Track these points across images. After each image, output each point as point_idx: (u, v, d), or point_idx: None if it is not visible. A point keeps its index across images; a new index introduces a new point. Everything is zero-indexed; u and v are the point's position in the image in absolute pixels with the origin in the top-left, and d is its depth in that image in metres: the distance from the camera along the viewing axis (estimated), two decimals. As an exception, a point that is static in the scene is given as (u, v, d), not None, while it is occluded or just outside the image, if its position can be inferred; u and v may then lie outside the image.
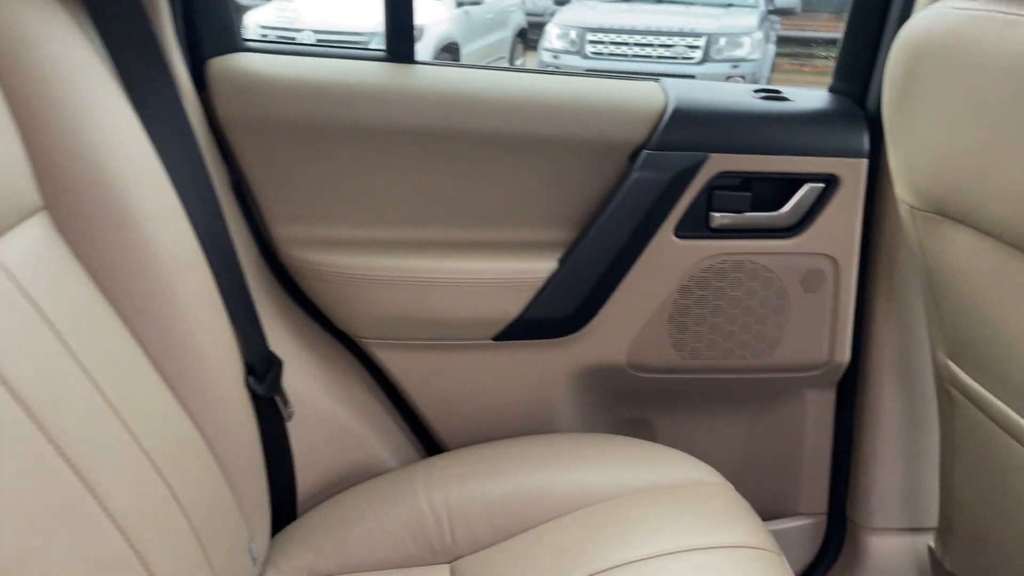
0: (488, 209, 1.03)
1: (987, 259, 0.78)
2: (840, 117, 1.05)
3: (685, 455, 0.98)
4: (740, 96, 1.07)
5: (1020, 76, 0.65)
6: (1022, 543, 0.88)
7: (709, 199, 1.03)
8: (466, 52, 5.96)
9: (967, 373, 0.91)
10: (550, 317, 1.04)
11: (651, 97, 1.03)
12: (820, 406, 1.17)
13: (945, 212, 0.81)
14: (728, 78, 5.39)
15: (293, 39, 5.31)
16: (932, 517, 1.10)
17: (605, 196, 1.03)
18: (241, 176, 0.98)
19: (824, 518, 1.22)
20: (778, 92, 1.08)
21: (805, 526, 1.23)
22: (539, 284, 1.02)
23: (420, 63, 1.01)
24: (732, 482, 1.18)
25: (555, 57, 5.72)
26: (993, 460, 0.89)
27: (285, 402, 0.92)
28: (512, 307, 1.03)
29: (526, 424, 1.09)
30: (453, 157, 1.00)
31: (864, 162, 1.03)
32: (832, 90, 1.12)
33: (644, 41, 5.58)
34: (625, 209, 1.01)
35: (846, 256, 1.06)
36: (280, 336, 0.96)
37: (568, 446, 1.00)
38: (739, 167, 1.02)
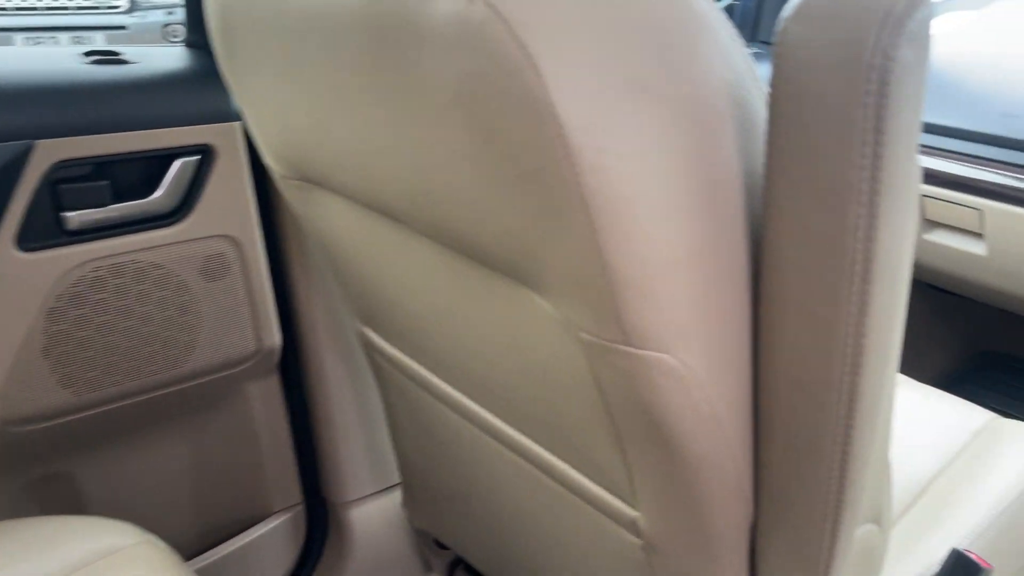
0: None
1: (354, 222, 0.72)
2: (200, 77, 0.91)
3: (91, 520, 0.78)
4: (65, 63, 0.85)
5: (323, 23, 0.56)
6: (459, 490, 0.88)
7: (55, 197, 0.82)
8: None
9: (380, 336, 0.86)
10: None
11: None
12: (267, 396, 1.06)
13: (307, 178, 0.72)
14: (166, 26, 4.95)
15: None
16: (397, 475, 1.09)
17: None
18: None
19: (302, 508, 1.14)
20: (116, 54, 0.89)
21: (286, 522, 1.13)
22: None
23: None
24: (190, 504, 1.02)
25: (-58, 15, 4.66)
26: (420, 416, 0.87)
27: None
28: None
29: None
30: None
31: (237, 126, 0.91)
32: (190, 45, 0.97)
33: (57, -10, 4.81)
34: (-73, 231, 0.75)
35: (247, 233, 0.94)
36: None
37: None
38: (82, 152, 0.82)
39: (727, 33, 0.49)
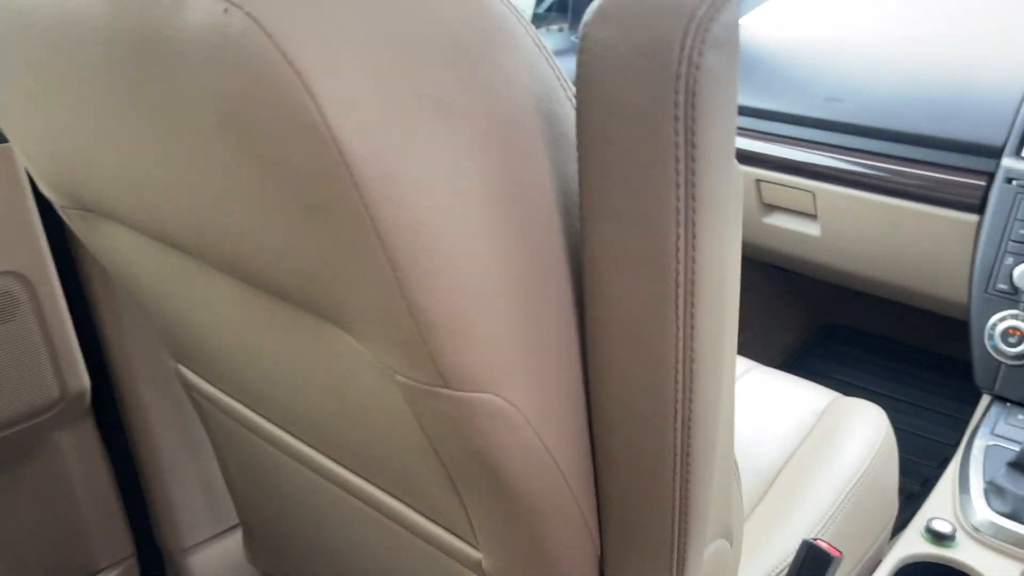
0: None
1: (146, 255, 0.63)
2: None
3: None
4: None
5: (71, 36, 0.48)
6: (300, 530, 0.81)
7: None
8: None
9: (196, 374, 0.78)
10: None
11: None
12: (81, 444, 0.95)
13: (88, 207, 0.63)
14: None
15: None
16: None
17: None
18: None
19: (134, 560, 1.04)
20: None
21: (117, 578, 1.03)
22: None
23: None
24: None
25: None
26: (249, 456, 0.79)
27: None
28: None
29: None
30: None
31: (9, 148, 0.79)
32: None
33: None
34: None
35: (37, 268, 0.83)
36: None
37: None
38: None
39: (532, 40, 0.44)
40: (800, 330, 1.83)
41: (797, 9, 1.42)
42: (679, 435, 0.46)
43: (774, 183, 1.28)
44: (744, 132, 1.29)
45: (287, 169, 0.39)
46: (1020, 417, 1.03)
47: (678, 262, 0.40)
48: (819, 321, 1.85)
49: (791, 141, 1.25)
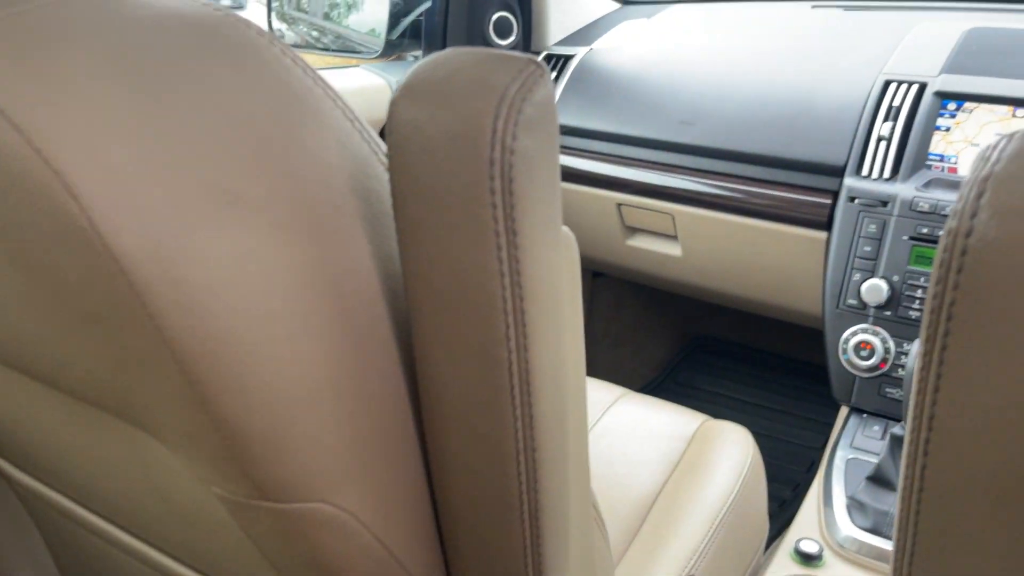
0: None
1: None
2: None
3: None
4: None
5: None
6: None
7: None
8: None
9: (13, 465, 0.70)
10: None
11: None
12: None
13: None
14: None
15: None
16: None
17: None
18: None
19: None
20: None
21: None
22: None
23: None
24: None
25: None
26: (82, 552, 0.72)
27: None
28: None
29: None
30: None
31: None
32: None
33: None
34: None
35: None
36: None
37: None
38: None
39: (343, 112, 0.41)
40: (672, 344, 1.86)
41: (649, 34, 1.44)
42: (527, 525, 0.43)
43: (634, 206, 1.28)
44: (602, 157, 1.29)
45: (57, 276, 0.34)
46: (875, 428, 1.07)
47: (510, 351, 0.38)
48: (689, 334, 1.89)
49: (648, 164, 1.26)
